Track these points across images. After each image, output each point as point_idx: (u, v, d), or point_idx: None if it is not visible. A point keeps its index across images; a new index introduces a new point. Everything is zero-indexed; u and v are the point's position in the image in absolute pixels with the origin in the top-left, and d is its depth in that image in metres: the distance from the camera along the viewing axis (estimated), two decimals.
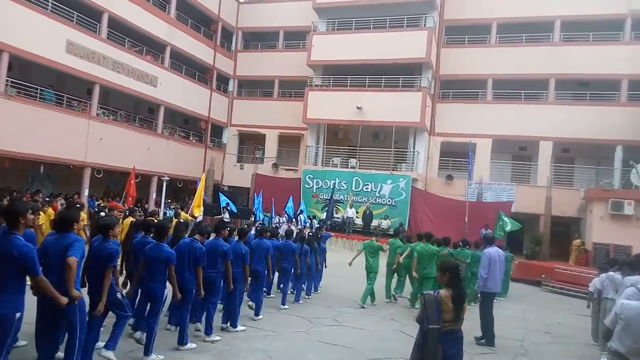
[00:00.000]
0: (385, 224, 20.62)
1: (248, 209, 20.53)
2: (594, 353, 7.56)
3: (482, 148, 21.90)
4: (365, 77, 22.54)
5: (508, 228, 16.51)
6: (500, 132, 21.80)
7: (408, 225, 20.32)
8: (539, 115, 21.36)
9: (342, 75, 23.17)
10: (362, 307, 9.42)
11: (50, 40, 16.54)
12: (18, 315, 3.81)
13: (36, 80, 17.21)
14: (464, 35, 23.35)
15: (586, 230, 18.84)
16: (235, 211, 18.62)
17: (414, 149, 22.31)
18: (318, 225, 16.18)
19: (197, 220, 11.99)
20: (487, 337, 7.44)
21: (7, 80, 15.33)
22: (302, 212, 19.84)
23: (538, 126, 21.15)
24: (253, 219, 17.75)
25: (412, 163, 22.05)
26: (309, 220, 19.04)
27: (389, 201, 21.22)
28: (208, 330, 6.37)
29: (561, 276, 14.65)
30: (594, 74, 20.96)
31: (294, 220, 18.58)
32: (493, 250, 7.63)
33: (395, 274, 10.58)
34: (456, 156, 22.35)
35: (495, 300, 7.93)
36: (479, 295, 7.80)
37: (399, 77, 22.03)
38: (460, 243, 11.09)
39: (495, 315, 9.85)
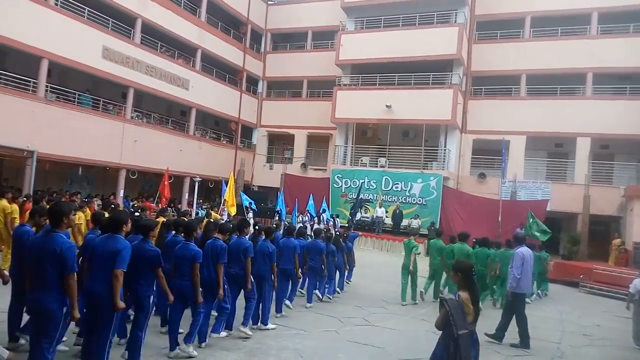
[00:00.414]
0: (415, 223, 20.34)
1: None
2: (636, 357, 7.24)
3: (516, 145, 21.32)
4: (395, 75, 22.32)
5: (534, 230, 16.00)
6: (534, 128, 21.18)
7: (439, 225, 19.98)
8: (576, 110, 20.65)
9: (370, 74, 23.01)
10: (403, 305, 9.52)
11: (87, 47, 17.11)
12: (64, 310, 3.97)
13: (74, 85, 17.86)
14: (496, 30, 22.80)
15: (626, 230, 18.05)
16: (257, 210, 18.71)
17: (445, 147, 21.93)
18: (347, 225, 16.13)
19: (225, 220, 12.14)
20: (522, 339, 7.22)
21: (46, 86, 15.96)
22: (324, 210, 19.83)
23: (575, 122, 20.45)
24: (277, 217, 17.90)
25: (443, 161, 21.68)
26: (332, 219, 19.05)
27: (419, 200, 20.94)
28: (254, 320, 6.70)
29: (600, 277, 14.14)
30: (634, 67, 20.07)
31: (315, 218, 18.64)
32: (525, 250, 7.44)
33: (444, 274, 10.37)
34: (489, 154, 21.83)
35: (529, 301, 7.75)
36: (509, 296, 7.47)
37: (429, 75, 21.71)
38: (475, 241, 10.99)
39: (531, 317, 9.58)
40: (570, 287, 14.37)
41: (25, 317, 4.72)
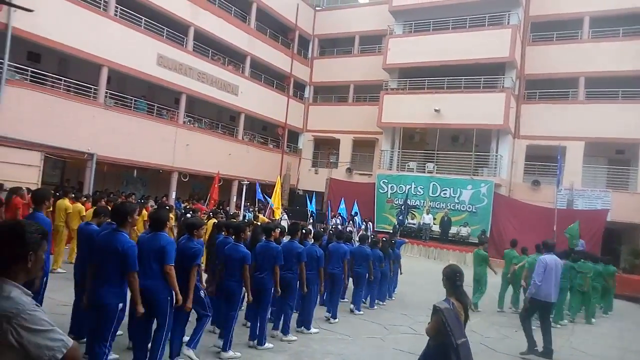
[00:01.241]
0: (464, 231, 19.82)
1: (322, 213, 20.68)
2: None
3: (573, 152, 20.27)
4: (444, 79, 21.84)
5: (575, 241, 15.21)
6: (593, 134, 20.04)
7: (490, 233, 19.34)
8: (639, 115, 19.37)
9: (418, 77, 22.65)
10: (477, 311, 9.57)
11: (143, 54, 17.90)
12: (121, 305, 4.15)
13: (130, 91, 18.72)
14: (551, 31, 21.86)
15: None
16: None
17: (496, 152, 21.19)
18: (392, 231, 15.88)
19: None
20: (545, 347, 6.98)
21: (106, 92, 16.81)
22: (356, 214, 19.66)
23: (638, 127, 19.19)
24: (311, 220, 17.91)
25: (495, 167, 20.93)
26: (364, 223, 18.85)
27: (469, 207, 20.33)
28: (285, 330, 6.46)
29: None
30: None
31: (349, 222, 18.53)
32: (550, 258, 7.05)
33: (511, 285, 10.49)
34: (543, 160, 20.89)
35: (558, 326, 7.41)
36: (527, 302, 7.12)
37: (480, 78, 21.10)
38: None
39: (588, 333, 9.07)
40: (632, 302, 13.47)
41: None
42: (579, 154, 20.36)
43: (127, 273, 4.09)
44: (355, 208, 19.93)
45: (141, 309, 4.20)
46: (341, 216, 19.20)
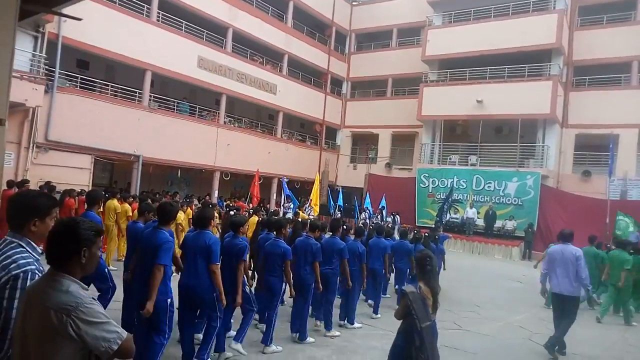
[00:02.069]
0: (510, 225, 19.24)
1: (351, 207, 20.61)
2: None
3: (627, 139, 19.20)
4: (486, 69, 21.19)
5: (631, 229, 14.47)
6: None
7: (537, 227, 18.67)
8: None
9: (459, 68, 22.09)
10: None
11: (184, 57, 18.39)
12: (169, 301, 4.30)
13: (172, 94, 19.28)
14: (601, 14, 20.77)
15: None
16: (297, 203, 18.65)
17: (543, 142, 20.36)
18: (433, 226, 15.63)
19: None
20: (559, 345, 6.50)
21: (150, 96, 17.39)
22: (384, 207, 19.57)
23: None
24: (340, 214, 17.88)
25: (542, 158, 20.12)
26: (392, 216, 18.64)
27: (514, 200, 19.67)
28: (328, 326, 6.50)
29: None
30: None
31: (378, 216, 18.40)
32: (557, 247, 6.59)
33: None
34: (594, 150, 19.91)
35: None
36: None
37: (525, 67, 20.31)
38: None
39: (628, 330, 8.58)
40: None
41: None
42: (632, 142, 19.27)
43: (154, 265, 4.11)
44: (383, 202, 19.71)
45: (239, 300, 4.71)
46: (368, 210, 19.08)
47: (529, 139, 20.68)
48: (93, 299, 1.86)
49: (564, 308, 6.41)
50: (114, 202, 9.55)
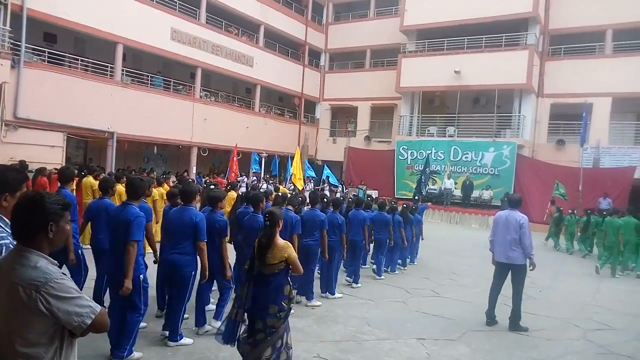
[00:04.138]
0: (487, 194, 19.62)
1: (342, 182, 20.73)
2: None
3: (600, 108, 19.58)
4: (464, 39, 21.14)
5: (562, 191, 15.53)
6: (621, 89, 19.23)
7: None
8: None
9: (437, 38, 21.98)
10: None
11: (157, 30, 17.82)
12: (141, 277, 4.29)
13: (146, 68, 18.76)
14: None
15: None
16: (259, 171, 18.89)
17: (519, 112, 20.62)
18: (413, 197, 15.83)
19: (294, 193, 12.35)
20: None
21: (122, 70, 16.88)
22: (328, 177, 19.57)
23: None
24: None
25: (518, 128, 20.40)
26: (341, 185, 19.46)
27: (491, 170, 20.01)
28: (310, 296, 6.60)
29: None
30: None
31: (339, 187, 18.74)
32: (502, 213, 6.38)
33: None
34: (569, 119, 20.25)
35: None
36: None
37: (502, 36, 20.34)
38: None
39: (616, 290, 8.98)
40: None
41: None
42: (605, 111, 19.68)
43: (127, 242, 4.09)
44: (327, 171, 19.40)
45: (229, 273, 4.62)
46: (329, 182, 19.16)
47: (505, 109, 20.91)
48: (63, 274, 1.83)
49: (504, 275, 6.26)
50: (90, 180, 9.36)
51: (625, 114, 20.31)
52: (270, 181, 18.89)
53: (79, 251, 5.35)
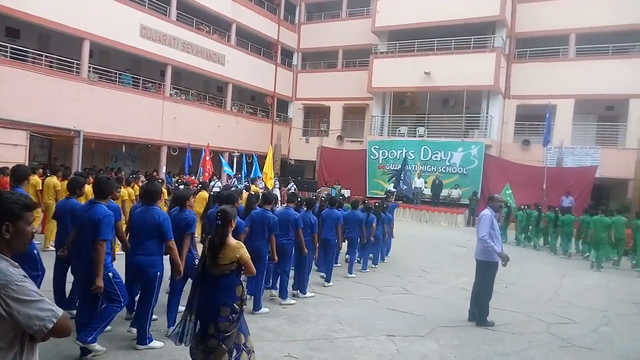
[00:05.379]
0: (455, 193, 20.03)
1: (314, 181, 20.74)
2: None
3: (563, 109, 20.32)
4: (434, 41, 21.54)
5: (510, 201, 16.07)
6: (583, 91, 20.01)
7: (481, 194, 19.55)
8: (629, 70, 19.29)
9: (408, 40, 22.32)
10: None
11: (126, 26, 17.44)
12: (110, 274, 4.22)
13: (114, 65, 18.34)
14: None
15: None
16: (232, 174, 18.47)
17: (487, 113, 21.16)
18: (384, 196, 15.98)
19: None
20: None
21: (89, 67, 16.44)
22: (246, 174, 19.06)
23: (628, 83, 19.13)
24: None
25: (485, 129, 20.95)
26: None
27: (459, 170, 20.46)
28: (284, 295, 6.63)
29: None
30: None
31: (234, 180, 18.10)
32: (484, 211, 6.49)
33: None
34: (534, 120, 20.90)
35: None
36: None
37: (470, 39, 20.82)
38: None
39: (577, 285, 9.35)
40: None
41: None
42: (568, 112, 20.41)
43: (96, 241, 4.03)
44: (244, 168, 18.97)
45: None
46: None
47: (473, 110, 21.41)
48: (24, 276, 1.79)
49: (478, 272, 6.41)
50: (54, 180, 9.09)
51: (587, 115, 21.11)
52: (242, 181, 18.71)
53: (34, 251, 5.16)
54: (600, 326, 6.60)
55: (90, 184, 6.83)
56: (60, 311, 1.79)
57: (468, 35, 20.76)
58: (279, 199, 13.18)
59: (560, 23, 20.75)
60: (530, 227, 14.87)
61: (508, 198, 16.13)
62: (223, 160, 18.52)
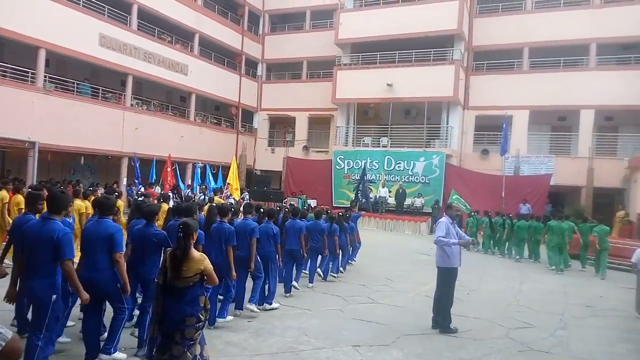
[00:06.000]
0: (418, 202, 20.41)
1: (281, 192, 20.68)
2: (638, 326, 7.28)
3: (519, 120, 21.16)
4: (395, 53, 22.06)
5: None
6: (537, 102, 20.95)
7: (443, 203, 19.97)
8: (580, 82, 20.37)
9: (371, 52, 22.76)
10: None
11: (84, 35, 16.98)
12: (54, 297, 3.94)
13: (72, 74, 17.80)
14: (497, 3, 22.43)
15: (630, 201, 18.04)
16: (184, 189, 17.95)
17: (447, 124, 21.77)
18: (349, 205, 16.10)
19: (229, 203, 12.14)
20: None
21: (45, 76, 15.89)
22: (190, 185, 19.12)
23: (578, 94, 20.19)
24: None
25: (446, 139, 21.55)
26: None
27: (422, 179, 20.89)
28: (239, 306, 6.56)
29: None
30: (638, 36, 19.68)
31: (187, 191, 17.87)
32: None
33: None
34: (492, 130, 21.67)
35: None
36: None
37: (430, 51, 21.44)
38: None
39: (535, 290, 9.68)
40: (573, 259, 14.36)
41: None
42: (524, 123, 21.27)
43: (62, 262, 3.85)
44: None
45: (85, 296, 3.99)
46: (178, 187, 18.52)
47: (434, 120, 21.99)
48: None
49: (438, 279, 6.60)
50: (2, 193, 8.68)
51: (541, 126, 22.07)
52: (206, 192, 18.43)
53: None
54: (557, 330, 6.85)
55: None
56: (9, 334, 1.74)
57: (428, 48, 21.38)
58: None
59: (514, 37, 21.72)
60: (481, 232, 15.65)
61: (460, 204, 16.66)
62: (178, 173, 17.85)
